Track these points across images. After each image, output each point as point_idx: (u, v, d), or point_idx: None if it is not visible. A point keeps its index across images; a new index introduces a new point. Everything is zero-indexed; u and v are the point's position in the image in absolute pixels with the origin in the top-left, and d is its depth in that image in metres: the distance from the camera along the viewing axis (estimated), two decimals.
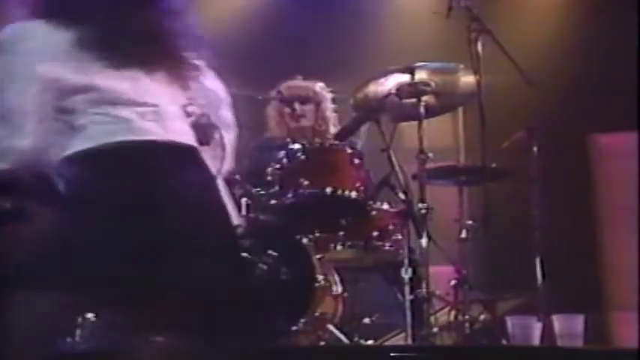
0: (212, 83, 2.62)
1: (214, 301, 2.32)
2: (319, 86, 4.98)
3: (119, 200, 2.23)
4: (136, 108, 2.32)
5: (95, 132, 2.27)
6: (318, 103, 4.93)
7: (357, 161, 4.23)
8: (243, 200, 4.18)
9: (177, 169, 2.32)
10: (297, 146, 4.20)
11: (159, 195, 2.26)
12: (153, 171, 2.29)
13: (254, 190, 4.28)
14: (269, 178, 4.24)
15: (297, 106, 4.90)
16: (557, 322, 3.96)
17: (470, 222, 4.58)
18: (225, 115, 2.69)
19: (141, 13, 2.39)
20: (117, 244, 2.20)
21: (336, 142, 4.33)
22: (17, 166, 2.28)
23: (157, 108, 2.35)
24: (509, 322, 3.99)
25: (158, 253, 2.23)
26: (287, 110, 4.91)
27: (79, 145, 2.27)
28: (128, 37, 2.37)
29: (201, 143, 2.48)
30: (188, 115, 2.47)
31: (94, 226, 2.20)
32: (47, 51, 2.29)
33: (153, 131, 2.32)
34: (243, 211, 4.19)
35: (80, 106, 2.29)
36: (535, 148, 4.73)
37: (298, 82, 4.95)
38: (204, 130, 2.49)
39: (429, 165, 4.30)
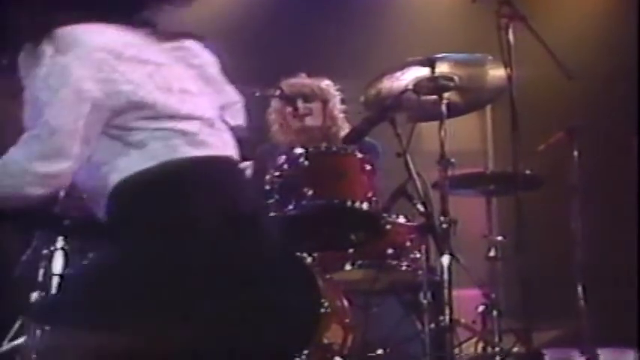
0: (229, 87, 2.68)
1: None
2: (325, 84, 4.80)
3: (189, 226, 2.21)
4: (194, 121, 2.34)
5: (156, 148, 2.26)
6: (325, 101, 4.78)
7: (368, 167, 3.98)
8: None
9: (238, 186, 2.35)
10: (299, 150, 4.00)
11: (229, 217, 2.24)
12: (222, 190, 2.29)
13: None
14: (267, 186, 4.01)
15: (300, 104, 4.71)
16: (604, 356, 4.01)
17: (500, 238, 4.52)
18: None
19: None
20: (187, 276, 2.16)
21: (345, 146, 4.12)
22: (57, 191, 2.29)
23: (212, 120, 2.38)
24: (547, 355, 3.90)
25: (241, 281, 2.24)
26: (289, 109, 4.75)
27: (137, 164, 2.24)
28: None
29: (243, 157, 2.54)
30: (230, 127, 2.50)
31: (166, 254, 2.18)
32: (104, 62, 2.26)
33: (214, 144, 2.35)
34: None
35: (136, 123, 2.28)
36: (575, 152, 4.62)
37: (301, 80, 4.78)
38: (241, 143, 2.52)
39: (452, 172, 4.18)
